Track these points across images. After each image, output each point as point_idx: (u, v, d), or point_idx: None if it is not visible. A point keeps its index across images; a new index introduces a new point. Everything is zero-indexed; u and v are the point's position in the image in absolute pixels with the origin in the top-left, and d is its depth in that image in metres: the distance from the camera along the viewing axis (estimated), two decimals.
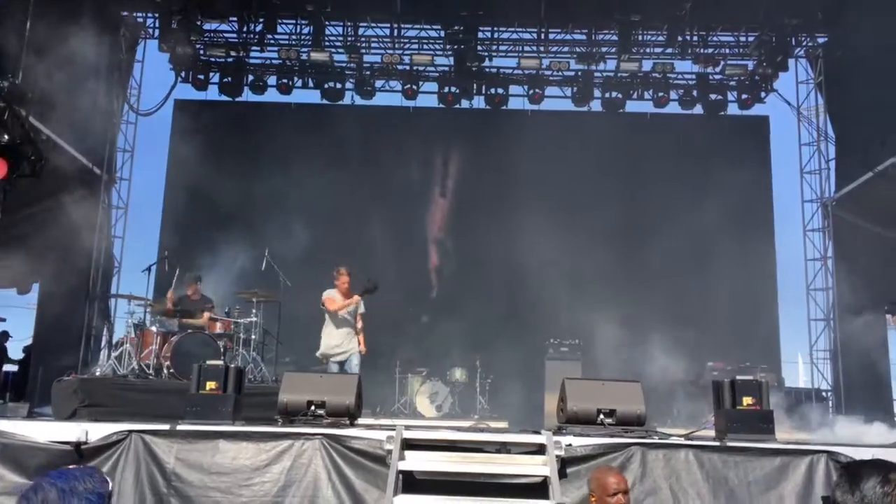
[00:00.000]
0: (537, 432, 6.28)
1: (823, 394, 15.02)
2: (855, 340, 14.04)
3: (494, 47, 15.63)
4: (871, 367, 14.17)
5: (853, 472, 2.17)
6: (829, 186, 15.84)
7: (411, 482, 5.80)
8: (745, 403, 6.29)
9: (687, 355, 13.92)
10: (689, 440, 6.35)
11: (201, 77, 15.18)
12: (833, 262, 15.52)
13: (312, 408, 6.59)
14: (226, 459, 6.11)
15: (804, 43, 15.76)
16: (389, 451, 5.74)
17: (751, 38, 15.13)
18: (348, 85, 15.41)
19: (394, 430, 5.99)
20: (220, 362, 6.87)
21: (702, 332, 13.56)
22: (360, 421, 8.80)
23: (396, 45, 15.39)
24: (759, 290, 15.08)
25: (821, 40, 15.68)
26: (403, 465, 5.69)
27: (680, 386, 13.12)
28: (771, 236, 16.02)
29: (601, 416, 6.62)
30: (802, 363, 17.20)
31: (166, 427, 6.19)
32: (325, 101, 15.36)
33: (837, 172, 15.66)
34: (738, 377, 6.48)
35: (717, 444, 6.11)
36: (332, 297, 10.03)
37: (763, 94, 15.60)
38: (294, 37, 15.33)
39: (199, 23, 14.65)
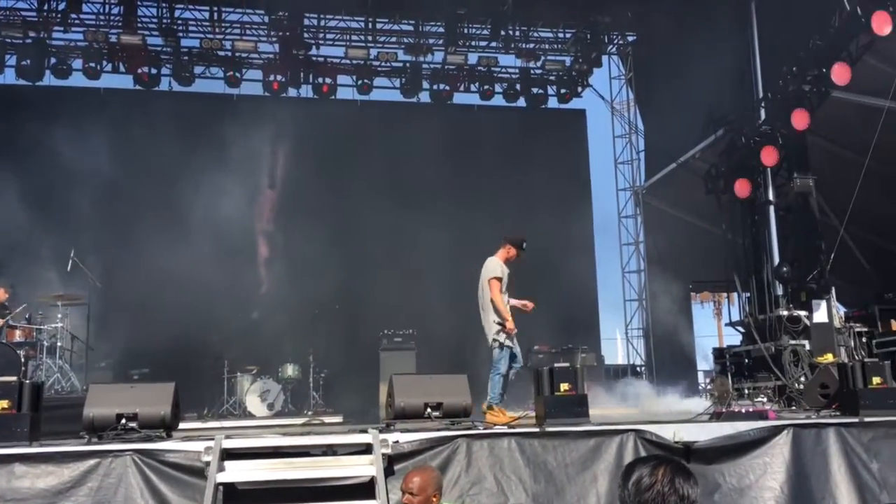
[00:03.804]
0: (364, 431, 6.23)
1: (638, 369, 16.22)
2: (664, 318, 15.25)
3: (321, 35, 15.36)
4: (678, 342, 15.47)
5: (629, 468, 2.30)
6: (639, 176, 17.03)
7: (233, 494, 5.55)
8: (562, 389, 6.57)
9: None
10: (512, 428, 6.55)
11: None
12: (644, 246, 16.74)
13: (123, 421, 6.13)
14: (24, 484, 5.56)
15: (616, 41, 16.80)
16: (208, 463, 5.47)
17: (568, 35, 15.88)
18: (164, 70, 14.53)
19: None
20: (12, 378, 6.21)
21: (528, 317, 14.07)
22: (186, 425, 8.38)
23: (217, 30, 14.68)
24: (580, 274, 15.87)
25: (630, 38, 16.77)
26: (223, 477, 5.43)
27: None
28: (590, 223, 16.99)
29: (428, 410, 6.69)
30: (621, 340, 18.38)
31: None
32: (138, 87, 14.38)
33: (646, 163, 16.90)
34: (556, 365, 6.75)
35: (537, 430, 6.34)
36: (498, 281, 7.84)
37: (580, 89, 16.48)
38: (102, 17, 14.25)
39: None
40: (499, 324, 7.70)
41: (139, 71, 14.27)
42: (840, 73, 10.07)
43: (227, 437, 5.91)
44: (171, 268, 12.83)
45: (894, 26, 9.44)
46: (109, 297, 11.75)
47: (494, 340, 7.72)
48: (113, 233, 13.34)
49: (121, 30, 13.90)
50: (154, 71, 14.41)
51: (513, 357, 7.83)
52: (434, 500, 4.30)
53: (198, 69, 14.84)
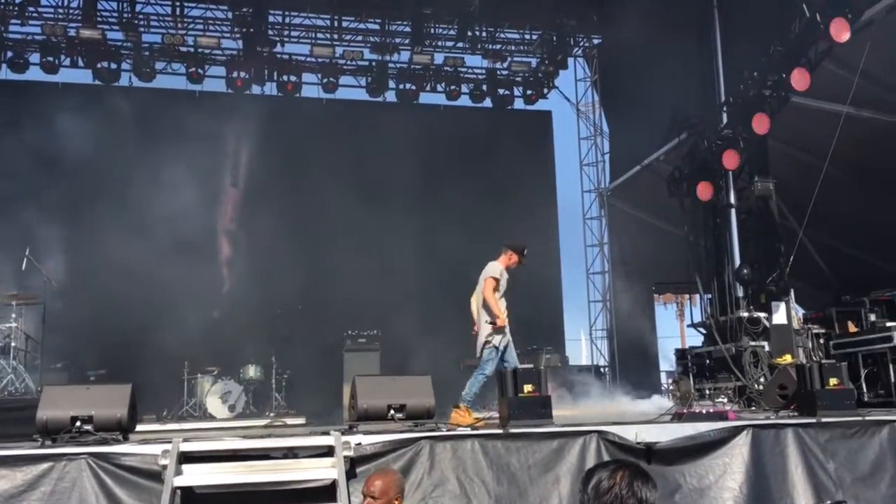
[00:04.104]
0: (326, 433, 6.14)
1: (601, 369, 16.31)
2: (627, 319, 15.37)
3: (286, 32, 15.19)
4: (641, 343, 15.61)
5: (588, 473, 2.30)
6: (604, 178, 17.16)
7: (191, 498, 5.44)
8: (525, 391, 6.56)
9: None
10: (475, 430, 6.52)
11: None
12: (609, 247, 16.87)
13: (78, 424, 5.97)
14: None
15: (581, 43, 16.90)
16: (165, 467, 5.35)
17: (535, 37, 15.93)
18: (125, 65, 14.24)
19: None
20: None
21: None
22: (144, 427, 8.20)
23: (179, 25, 14.43)
24: (545, 276, 15.92)
25: (596, 41, 16.88)
26: (180, 481, 5.31)
27: (471, 372, 13.55)
28: (555, 224, 17.06)
29: (392, 412, 6.63)
30: (585, 341, 18.49)
31: None
32: (98, 82, 14.07)
33: (611, 165, 17.03)
34: (520, 366, 6.75)
35: (500, 431, 6.32)
36: (494, 281, 7.83)
37: (546, 91, 16.55)
38: (60, 10, 13.92)
39: None
40: (491, 324, 7.65)
41: (99, 66, 13.97)
42: (799, 79, 10.23)
43: (186, 439, 5.79)
44: (131, 267, 12.59)
45: (852, 33, 9.62)
46: (66, 297, 11.45)
47: (487, 342, 7.69)
48: (70, 232, 13.00)
49: (80, 24, 13.59)
50: (114, 66, 14.13)
51: (506, 352, 7.75)
52: (396, 503, 4.25)
53: (159, 65, 14.59)
